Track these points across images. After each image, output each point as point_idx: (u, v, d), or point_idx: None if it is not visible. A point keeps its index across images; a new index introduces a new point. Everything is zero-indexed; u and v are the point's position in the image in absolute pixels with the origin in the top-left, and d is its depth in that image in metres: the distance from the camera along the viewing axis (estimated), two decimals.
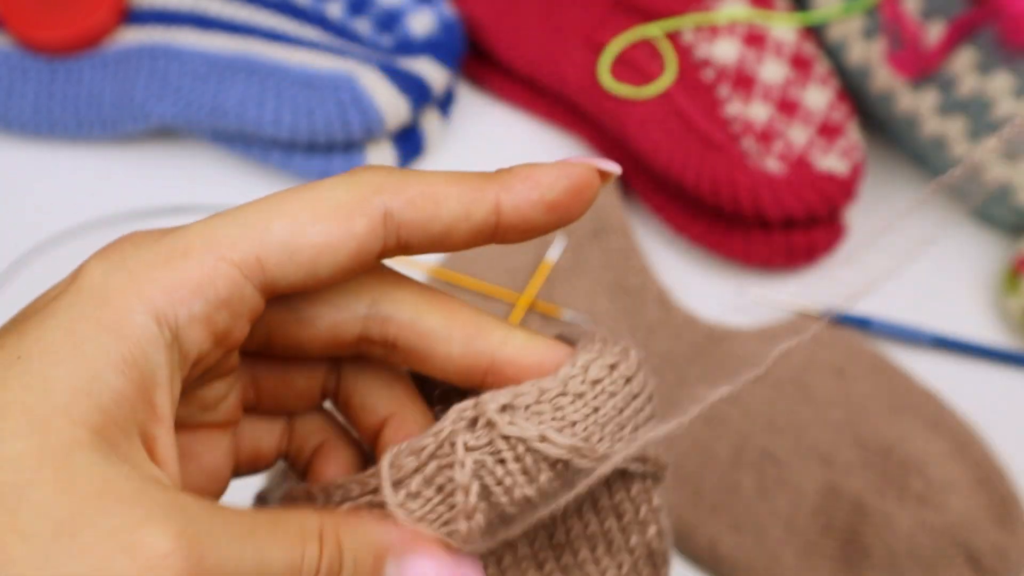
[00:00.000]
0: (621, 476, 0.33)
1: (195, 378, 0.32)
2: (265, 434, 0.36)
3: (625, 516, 0.33)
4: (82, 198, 0.69)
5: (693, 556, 0.60)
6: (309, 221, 0.30)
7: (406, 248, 0.32)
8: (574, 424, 0.31)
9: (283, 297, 0.32)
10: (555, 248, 0.67)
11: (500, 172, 0.33)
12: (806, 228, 0.66)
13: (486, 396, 0.31)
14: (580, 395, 0.31)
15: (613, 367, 0.32)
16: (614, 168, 0.34)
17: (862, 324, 0.66)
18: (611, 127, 0.69)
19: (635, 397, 0.32)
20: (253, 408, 0.36)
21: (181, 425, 0.33)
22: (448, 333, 0.33)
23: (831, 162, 0.66)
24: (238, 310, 0.30)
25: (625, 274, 0.67)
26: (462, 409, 0.31)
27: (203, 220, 0.30)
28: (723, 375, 0.49)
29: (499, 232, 0.33)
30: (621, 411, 0.32)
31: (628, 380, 0.32)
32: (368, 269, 0.33)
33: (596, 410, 0.31)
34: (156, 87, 0.68)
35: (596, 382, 0.31)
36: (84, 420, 0.27)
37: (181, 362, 0.30)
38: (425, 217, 0.32)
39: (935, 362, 0.66)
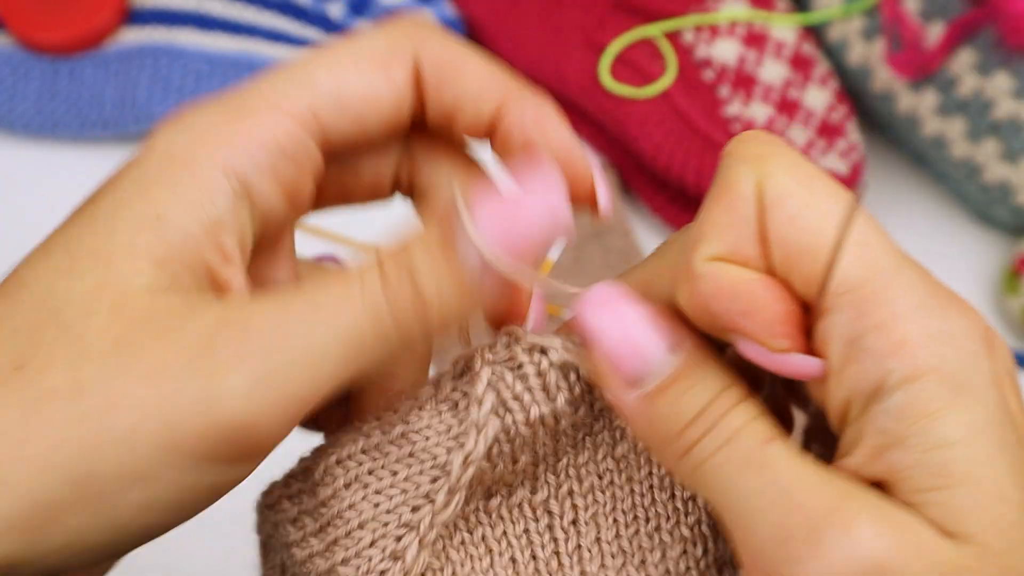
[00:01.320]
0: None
1: (270, 236, 0.33)
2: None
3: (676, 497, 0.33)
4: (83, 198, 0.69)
5: None
6: (353, 71, 0.32)
7: (423, 111, 0.34)
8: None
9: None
10: (556, 248, 0.67)
11: (530, 94, 0.34)
12: None
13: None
14: None
15: None
16: (606, 211, 0.35)
17: None
18: (611, 127, 0.69)
19: None
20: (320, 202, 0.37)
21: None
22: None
23: (831, 162, 0.66)
24: (301, 163, 0.32)
25: None
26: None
27: (257, 81, 0.32)
28: None
29: (491, 135, 0.34)
30: None
31: None
32: (403, 130, 0.34)
33: None
34: (158, 87, 0.68)
35: None
36: (145, 252, 0.29)
37: (252, 213, 0.32)
38: (443, 82, 0.33)
39: None
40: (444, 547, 0.32)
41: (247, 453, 0.29)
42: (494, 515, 0.33)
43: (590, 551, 0.33)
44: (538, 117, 0.33)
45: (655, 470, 0.33)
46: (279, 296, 0.30)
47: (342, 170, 0.35)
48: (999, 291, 0.68)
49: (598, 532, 0.33)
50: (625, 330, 0.29)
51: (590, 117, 0.71)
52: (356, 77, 0.32)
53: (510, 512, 0.33)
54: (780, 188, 0.29)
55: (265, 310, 0.29)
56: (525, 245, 0.31)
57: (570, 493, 0.33)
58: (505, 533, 0.33)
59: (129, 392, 0.28)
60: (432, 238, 0.31)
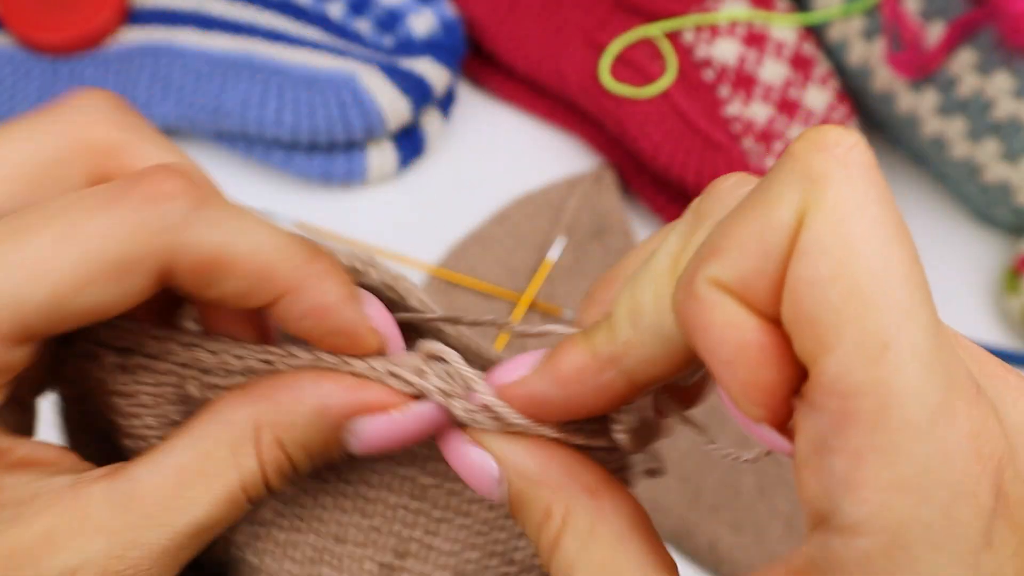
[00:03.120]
0: None
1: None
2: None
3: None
4: None
5: (693, 555, 0.60)
6: (75, 286, 0.26)
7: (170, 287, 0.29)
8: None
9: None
10: (556, 248, 0.67)
11: (313, 268, 0.28)
12: None
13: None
14: None
15: None
16: (395, 348, 0.30)
17: None
18: (611, 127, 0.69)
19: None
20: None
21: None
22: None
23: None
24: (6, 367, 0.27)
25: None
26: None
27: None
28: None
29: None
30: None
31: None
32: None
33: None
34: (158, 87, 0.68)
35: None
36: None
37: None
38: (202, 284, 0.28)
39: None
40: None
41: None
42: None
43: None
44: (316, 312, 0.28)
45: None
46: (154, 513, 0.27)
47: None
48: (999, 291, 0.68)
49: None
50: (462, 466, 0.29)
51: (590, 117, 0.71)
52: (79, 293, 0.26)
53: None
54: (819, 235, 0.23)
55: (150, 544, 0.27)
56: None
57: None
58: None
59: None
60: (313, 427, 0.29)
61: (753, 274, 0.24)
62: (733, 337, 0.24)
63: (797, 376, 0.24)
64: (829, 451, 0.23)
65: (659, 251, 0.27)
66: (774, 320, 0.24)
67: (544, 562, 0.28)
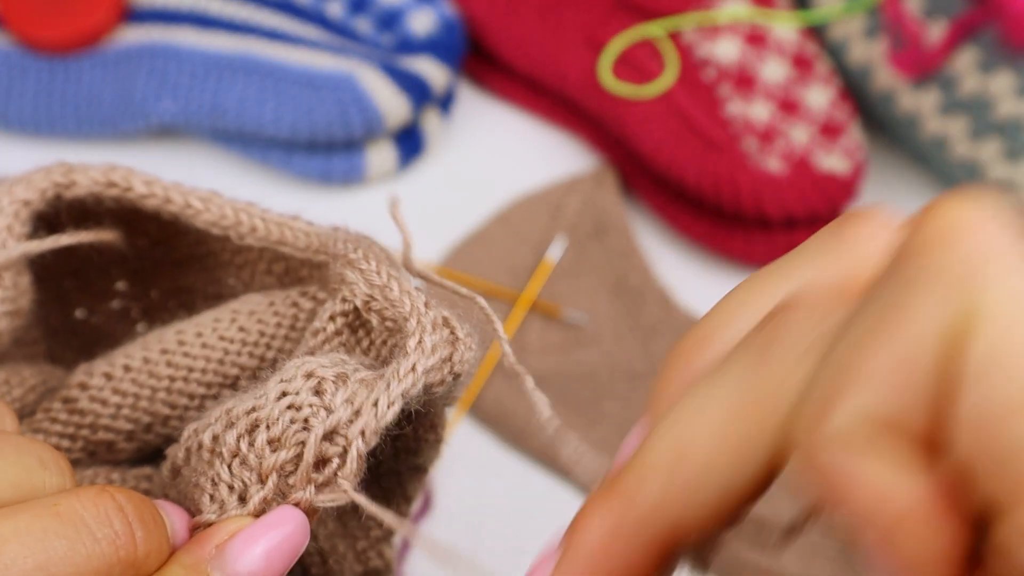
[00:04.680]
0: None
1: None
2: None
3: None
4: None
5: None
6: None
7: None
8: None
9: None
10: (556, 248, 0.67)
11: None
12: (807, 227, 0.66)
13: None
14: None
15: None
16: None
17: None
18: (612, 126, 0.69)
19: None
20: None
21: None
22: None
23: (833, 162, 0.66)
24: None
25: (626, 274, 0.67)
26: None
27: None
28: None
29: None
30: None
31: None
32: None
33: None
34: (156, 86, 0.68)
35: None
36: None
37: None
38: None
39: None
40: None
41: None
42: None
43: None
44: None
45: None
46: None
47: None
48: None
49: None
50: None
51: (591, 116, 0.71)
52: None
53: None
54: (995, 350, 0.18)
55: None
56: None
57: None
58: None
59: None
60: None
61: (902, 410, 0.19)
62: (892, 503, 0.19)
63: (975, 527, 0.19)
64: None
65: (713, 388, 0.23)
66: (936, 453, 0.19)
67: None
